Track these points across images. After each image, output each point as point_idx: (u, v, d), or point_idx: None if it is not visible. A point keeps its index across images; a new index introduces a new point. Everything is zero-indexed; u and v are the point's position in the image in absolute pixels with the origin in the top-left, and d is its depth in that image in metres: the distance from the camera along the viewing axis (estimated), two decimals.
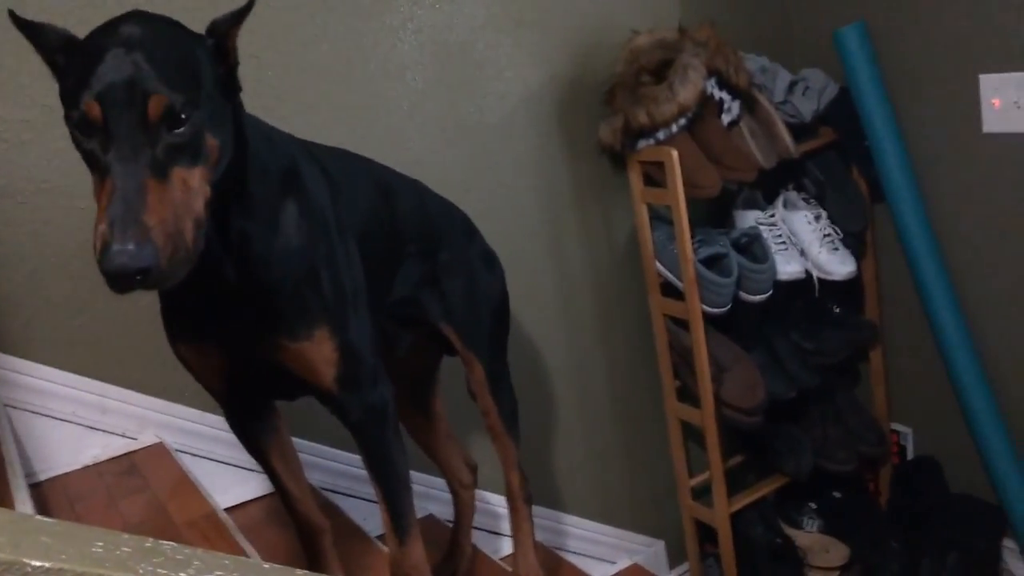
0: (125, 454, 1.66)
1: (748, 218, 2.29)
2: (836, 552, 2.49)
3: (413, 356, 1.56)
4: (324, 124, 1.80)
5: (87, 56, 0.84)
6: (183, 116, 0.84)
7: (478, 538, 2.01)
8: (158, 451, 1.69)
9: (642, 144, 2.07)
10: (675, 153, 2.00)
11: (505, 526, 2.03)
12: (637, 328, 2.32)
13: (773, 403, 2.25)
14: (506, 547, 2.13)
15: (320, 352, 1.06)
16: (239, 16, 0.92)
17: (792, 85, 2.25)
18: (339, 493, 1.94)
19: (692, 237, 2.12)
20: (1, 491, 1.15)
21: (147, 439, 1.71)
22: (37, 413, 1.62)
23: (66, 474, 1.61)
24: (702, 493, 2.38)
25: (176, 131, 0.84)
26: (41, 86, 1.50)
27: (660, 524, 2.48)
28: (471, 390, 1.54)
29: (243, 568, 0.75)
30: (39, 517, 0.82)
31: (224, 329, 1.05)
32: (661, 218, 2.21)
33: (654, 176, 2.12)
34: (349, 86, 1.83)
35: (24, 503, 1.12)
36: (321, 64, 1.79)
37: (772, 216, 2.27)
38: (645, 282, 2.25)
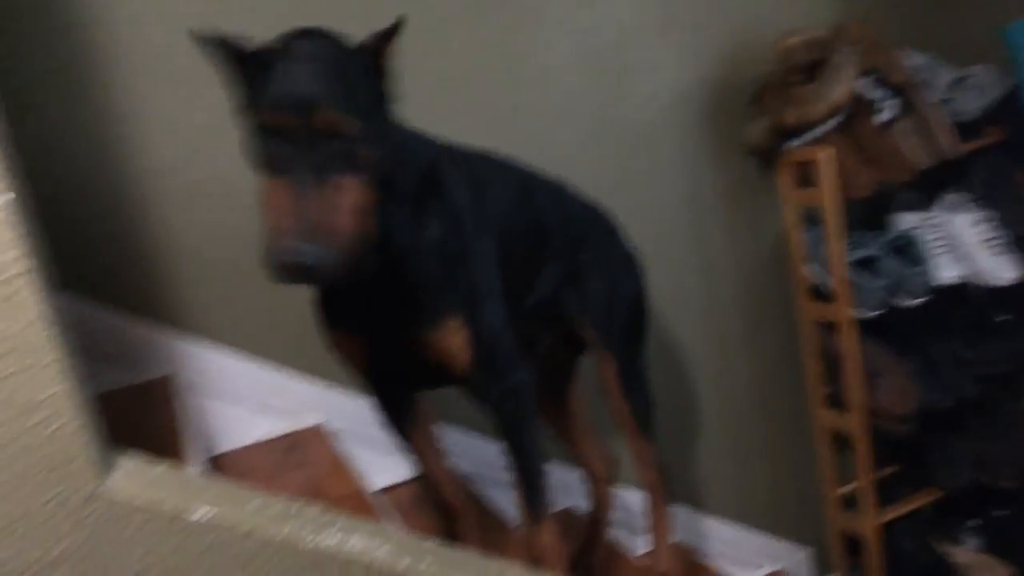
0: (287, 434, 1.80)
1: (906, 220, 2.22)
2: (998, 573, 2.38)
3: (553, 352, 1.61)
4: (477, 127, 1.88)
5: (265, 69, 0.92)
6: (348, 128, 0.91)
7: (616, 534, 2.04)
8: (317, 432, 1.81)
9: (792, 144, 2.05)
10: (828, 153, 1.97)
11: (643, 524, 2.05)
12: (784, 332, 2.29)
13: (929, 413, 2.17)
14: (643, 545, 2.15)
15: (454, 340, 1.13)
16: (388, 36, 0.99)
17: (956, 83, 2.17)
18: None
19: (845, 239, 2.08)
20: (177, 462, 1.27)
21: (308, 420, 1.83)
22: (210, 394, 1.77)
23: (233, 451, 1.76)
24: (851, 503, 2.32)
25: (341, 141, 0.91)
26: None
27: (806, 532, 2.43)
28: (604, 388, 1.57)
29: (380, 533, 0.83)
30: (204, 478, 0.92)
31: (367, 318, 1.14)
32: (811, 220, 2.17)
33: (804, 177, 2.09)
34: (502, 90, 1.91)
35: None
36: (476, 70, 1.87)
37: (932, 218, 2.19)
38: (793, 285, 2.22)
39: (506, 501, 1.97)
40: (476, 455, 2.02)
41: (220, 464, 1.73)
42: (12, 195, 0.63)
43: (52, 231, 1.39)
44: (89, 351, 1.69)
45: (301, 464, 1.67)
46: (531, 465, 1.21)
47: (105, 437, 0.72)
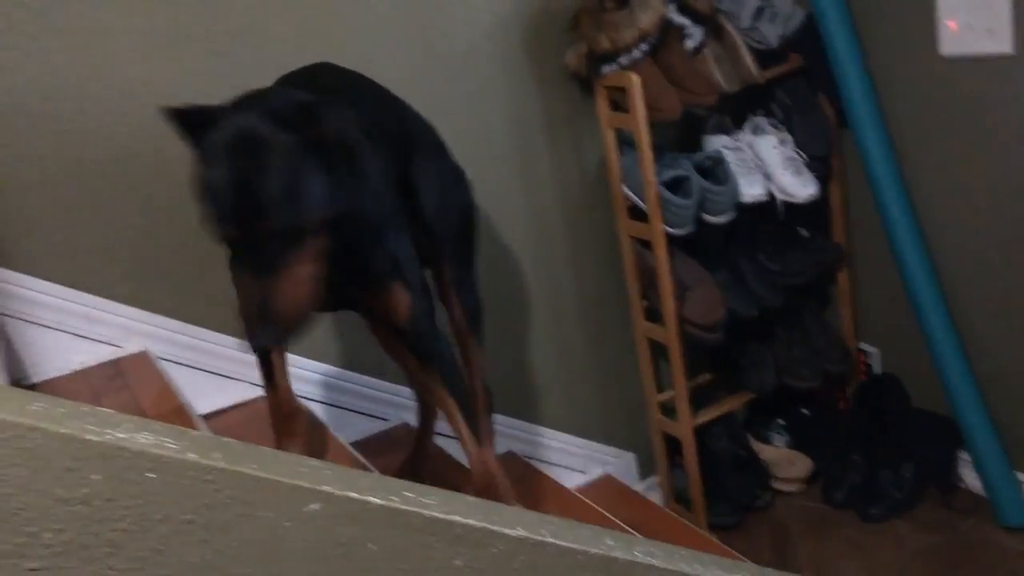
0: (111, 361, 1.79)
1: (716, 143, 2.35)
2: (800, 465, 2.61)
3: None
4: (293, 52, 1.87)
5: (209, 169, 1.03)
6: (287, 226, 1.02)
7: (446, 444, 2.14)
8: (142, 358, 1.81)
9: (606, 70, 2.14)
10: (636, 78, 2.07)
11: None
12: (606, 250, 2.41)
13: (738, 322, 2.35)
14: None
15: (400, 298, 1.31)
16: (309, 119, 1.06)
17: (759, 12, 2.30)
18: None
19: (657, 161, 2.20)
20: None
21: (132, 348, 1.83)
22: (29, 321, 1.74)
23: (56, 378, 1.74)
24: (671, 408, 2.49)
25: (283, 238, 1.02)
26: None
27: (631, 437, 2.60)
28: (439, 294, 1.63)
29: (172, 433, 0.87)
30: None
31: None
32: (629, 143, 2.28)
33: (620, 101, 2.19)
34: (316, 14, 1.91)
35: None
36: None
37: (739, 140, 2.34)
38: (614, 205, 2.34)
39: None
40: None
41: (40, 390, 1.72)
42: None
43: None
44: None
45: (124, 388, 1.67)
46: (459, 387, 1.44)
47: None
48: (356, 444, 2.03)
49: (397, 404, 2.16)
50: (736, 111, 2.40)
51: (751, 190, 2.26)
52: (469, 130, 2.14)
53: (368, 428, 2.13)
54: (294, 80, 1.39)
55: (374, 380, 2.13)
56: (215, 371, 1.94)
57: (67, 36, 1.68)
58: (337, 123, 1.07)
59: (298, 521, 0.87)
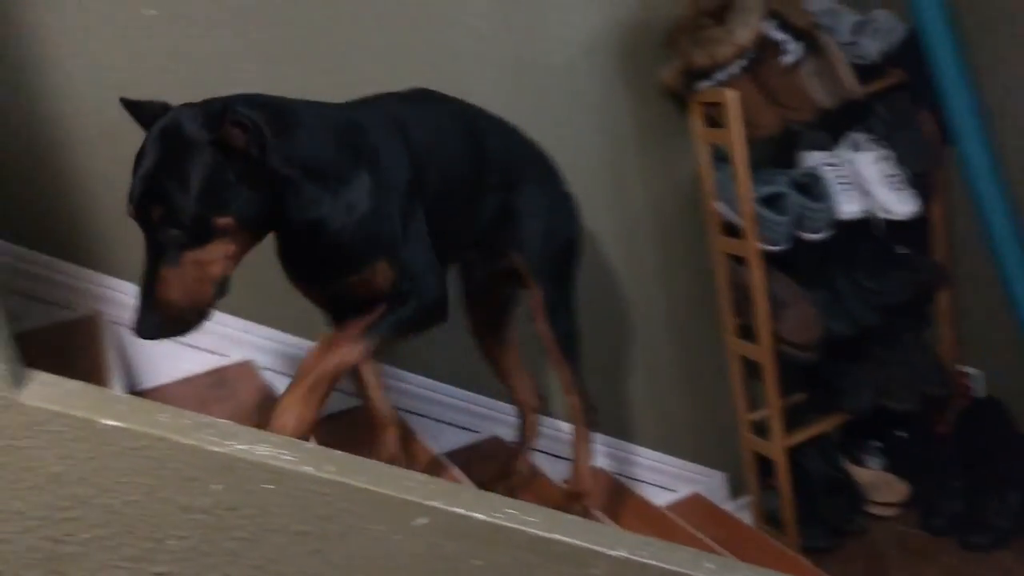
0: (216, 369, 1.85)
1: (813, 159, 2.32)
2: (897, 489, 2.54)
3: (490, 287, 1.71)
4: (390, 71, 1.92)
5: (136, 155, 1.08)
6: (181, 218, 1.03)
7: (544, 461, 2.15)
8: (246, 368, 1.87)
9: (702, 85, 2.13)
10: (733, 93, 2.05)
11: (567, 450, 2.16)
12: (698, 266, 2.39)
13: (833, 341, 2.30)
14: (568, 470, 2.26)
15: (382, 278, 1.26)
16: (219, 120, 1.04)
17: (859, 26, 2.26)
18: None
19: (752, 177, 2.18)
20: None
21: (236, 357, 1.89)
22: None
23: (164, 385, 1.81)
24: (763, 427, 2.45)
25: (176, 229, 1.04)
26: None
27: (722, 456, 2.56)
28: (533, 316, 1.64)
29: (289, 445, 0.90)
30: (117, 392, 0.98)
31: (312, 271, 1.30)
32: (723, 158, 2.26)
33: (715, 117, 2.18)
34: (413, 33, 1.95)
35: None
36: (385, 12, 1.91)
37: (836, 156, 2.30)
38: (706, 222, 2.32)
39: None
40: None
41: (149, 396, 1.78)
42: None
43: None
44: (17, 290, 1.73)
45: (228, 398, 1.73)
46: (390, 318, 1.28)
47: (18, 354, 0.78)
48: (446, 456, 2.06)
49: (488, 417, 2.18)
50: (834, 127, 2.36)
51: (849, 207, 2.22)
52: (561, 145, 2.13)
53: (458, 440, 2.16)
54: (384, 101, 1.41)
55: (467, 392, 2.16)
56: (438, 417, 2.02)
57: (187, 60, 1.75)
58: (245, 126, 1.05)
59: (406, 535, 0.89)
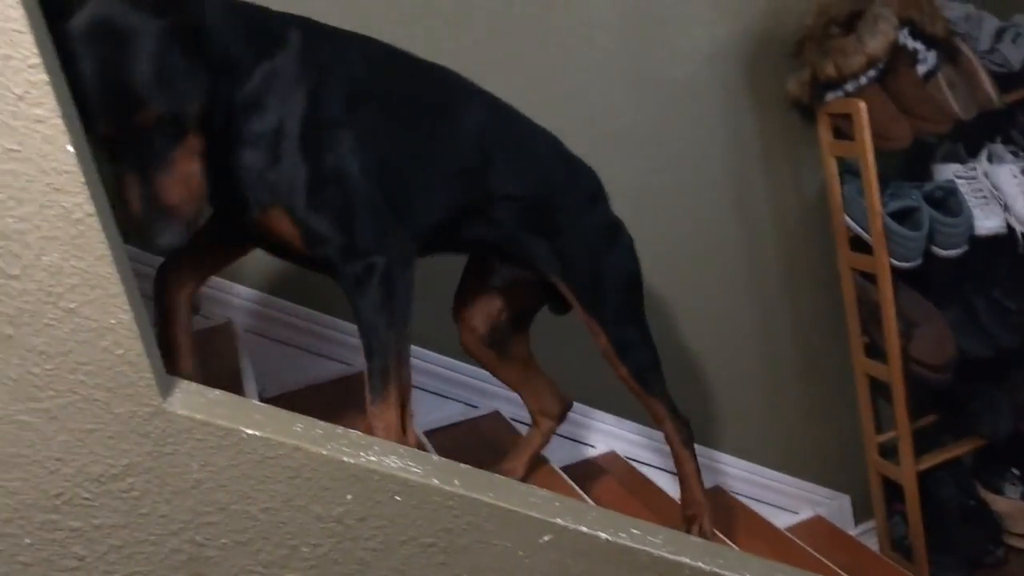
0: (340, 377, 1.90)
1: (947, 171, 2.22)
2: None
3: (515, 295, 1.60)
4: (513, 84, 1.93)
5: (75, 64, 0.90)
6: (163, 114, 0.93)
7: (663, 480, 2.12)
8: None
9: (830, 96, 2.07)
10: (863, 105, 1.99)
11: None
12: (825, 282, 2.32)
13: (969, 362, 2.20)
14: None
15: (281, 226, 1.12)
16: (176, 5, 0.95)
17: (1000, 33, 2.16)
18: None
19: (883, 190, 2.10)
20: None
21: (360, 366, 1.93)
22: (267, 337, 1.88)
23: (291, 392, 1.87)
24: (891, 450, 2.36)
25: (161, 129, 0.94)
26: None
27: (846, 479, 2.48)
28: (603, 356, 1.54)
29: (417, 457, 0.91)
30: (255, 401, 1.02)
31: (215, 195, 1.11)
32: (852, 171, 2.19)
33: (844, 129, 2.11)
34: (537, 47, 1.96)
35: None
36: (510, 26, 1.93)
37: (973, 169, 2.20)
38: (834, 236, 2.25)
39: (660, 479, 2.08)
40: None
41: (277, 402, 1.84)
42: (73, 150, 0.72)
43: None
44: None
45: (353, 406, 1.76)
46: (376, 346, 1.16)
47: (163, 363, 0.82)
48: (564, 470, 2.06)
49: (605, 432, 2.17)
50: (971, 138, 2.26)
51: (987, 222, 2.11)
52: (684, 157, 2.13)
53: (574, 454, 2.15)
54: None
55: (581, 406, 2.15)
56: (433, 390, 2.02)
57: None
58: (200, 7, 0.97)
59: (531, 551, 0.89)
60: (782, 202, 2.26)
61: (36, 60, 0.71)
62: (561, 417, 1.76)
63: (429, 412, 2.00)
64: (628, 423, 2.18)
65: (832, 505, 2.47)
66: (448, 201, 1.33)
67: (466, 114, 1.38)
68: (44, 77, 0.71)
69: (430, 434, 1.92)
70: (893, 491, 2.39)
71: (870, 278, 2.17)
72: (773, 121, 2.20)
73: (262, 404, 0.89)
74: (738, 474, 2.34)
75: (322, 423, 0.90)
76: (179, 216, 0.95)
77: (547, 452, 1.97)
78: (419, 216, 1.29)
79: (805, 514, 2.42)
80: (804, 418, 2.41)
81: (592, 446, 2.17)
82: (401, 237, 1.20)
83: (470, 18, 1.89)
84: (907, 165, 2.30)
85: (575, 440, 2.15)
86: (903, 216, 2.10)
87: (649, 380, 1.56)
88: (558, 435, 2.12)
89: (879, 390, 2.34)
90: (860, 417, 2.39)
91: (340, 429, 0.90)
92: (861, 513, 2.50)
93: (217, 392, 0.85)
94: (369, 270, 1.15)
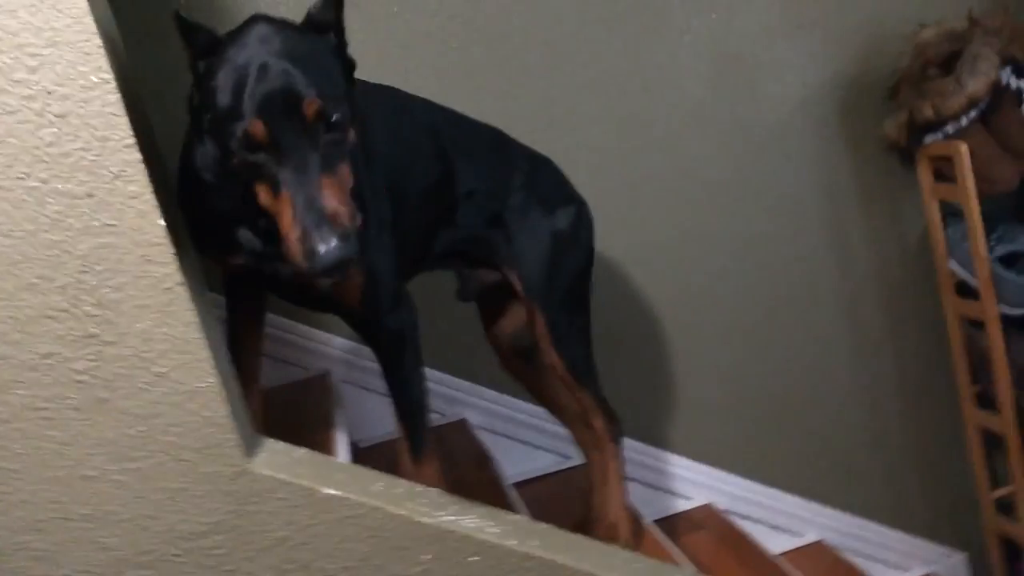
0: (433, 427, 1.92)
1: None
2: None
3: (501, 304, 1.54)
4: (606, 134, 1.95)
5: (235, 69, 0.88)
6: (333, 115, 0.89)
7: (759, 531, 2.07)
8: (461, 425, 1.93)
9: (929, 139, 2.01)
10: (964, 147, 1.93)
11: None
12: (930, 330, 2.24)
13: None
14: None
15: (353, 284, 1.09)
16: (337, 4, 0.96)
17: None
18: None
19: (990, 233, 2.03)
20: (327, 446, 1.41)
21: (453, 415, 1.96)
22: (356, 385, 1.92)
23: (381, 442, 1.90)
24: (1011, 506, 2.24)
25: (331, 131, 0.89)
26: None
27: (961, 535, 2.36)
28: (535, 342, 1.45)
29: (492, 516, 0.92)
30: (342, 456, 1.04)
31: (255, 247, 1.06)
32: (956, 213, 2.12)
33: (945, 171, 2.05)
34: (629, 97, 1.97)
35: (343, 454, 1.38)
36: (603, 78, 1.94)
37: None
38: (938, 282, 2.17)
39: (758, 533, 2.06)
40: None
41: (367, 453, 1.87)
42: (163, 223, 0.76)
43: None
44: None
45: (443, 454, 1.78)
46: (410, 406, 1.16)
47: (250, 423, 0.85)
48: (658, 523, 2.02)
49: (700, 484, 2.12)
50: None
51: None
52: (778, 204, 2.10)
53: (667, 506, 2.11)
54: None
55: (675, 456, 2.12)
56: (523, 440, 2.02)
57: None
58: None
59: None
60: (883, 248, 2.19)
61: (131, 140, 0.75)
62: (613, 434, 1.53)
63: (519, 463, 2.00)
64: (725, 474, 2.14)
65: (947, 563, 2.35)
66: (429, 222, 1.31)
67: (424, 122, 1.33)
68: (138, 156, 0.76)
69: (520, 486, 1.92)
70: (1015, 550, 2.26)
71: (978, 325, 2.08)
72: (871, 165, 2.15)
73: (344, 463, 0.91)
74: (844, 528, 2.25)
75: (403, 481, 0.91)
76: (341, 225, 0.86)
77: (640, 505, 1.95)
78: (411, 251, 1.26)
79: (916, 572, 2.31)
80: (913, 471, 2.31)
81: (688, 498, 2.13)
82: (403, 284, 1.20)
83: (560, 71, 1.92)
84: (1019, 206, 2.21)
85: (669, 492, 2.11)
86: (1012, 260, 2.01)
87: (582, 372, 1.46)
88: (651, 487, 2.09)
89: (995, 442, 2.23)
90: (974, 470, 2.28)
91: (419, 487, 0.91)
92: (979, 572, 2.37)
93: (302, 451, 0.88)
94: (405, 324, 1.15)
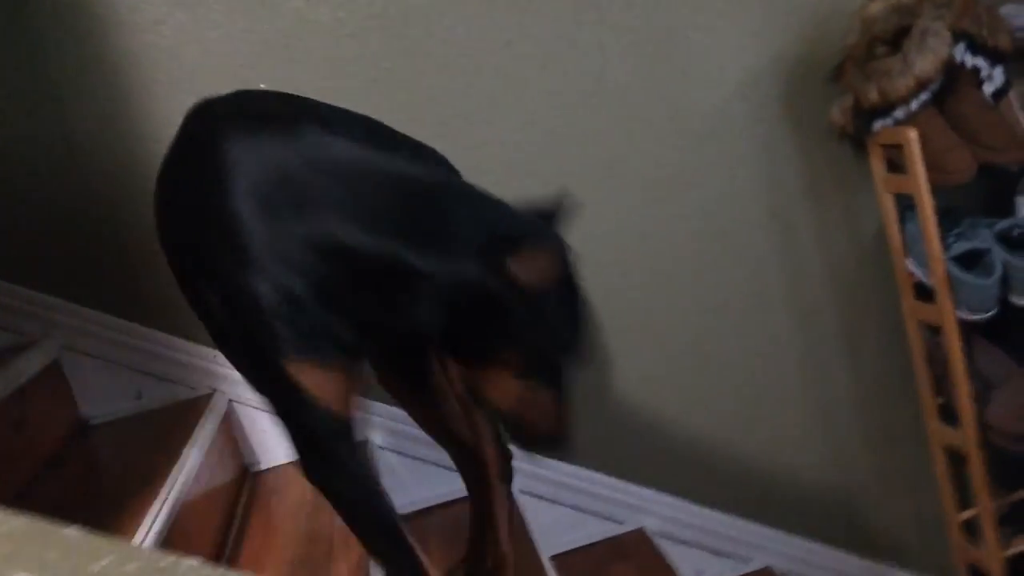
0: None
1: None
2: None
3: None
4: (521, 127, 1.77)
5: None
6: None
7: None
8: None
9: (879, 125, 1.81)
10: (913, 134, 1.72)
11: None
12: (891, 336, 2.03)
13: None
14: None
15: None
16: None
17: None
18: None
19: (950, 230, 1.83)
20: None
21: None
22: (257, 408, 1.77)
23: (282, 464, 1.75)
24: (977, 529, 2.03)
25: None
26: None
27: (927, 560, 2.15)
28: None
29: None
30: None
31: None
32: (915, 207, 1.91)
33: (898, 161, 1.84)
34: (545, 86, 1.78)
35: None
36: (516, 65, 1.76)
37: None
38: (898, 283, 1.97)
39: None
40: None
41: (267, 475, 1.75)
42: None
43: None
44: (141, 370, 1.73)
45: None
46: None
47: None
48: (583, 550, 1.86)
49: (632, 506, 1.94)
50: None
51: None
52: (718, 200, 1.91)
53: (596, 532, 1.94)
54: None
55: (605, 477, 1.94)
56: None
57: None
58: None
59: None
60: (836, 245, 1.99)
61: None
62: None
63: (565, 532, 1.90)
64: (660, 495, 1.96)
65: None
66: None
67: None
68: None
69: (562, 557, 1.81)
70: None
71: (936, 331, 1.88)
72: (820, 155, 1.95)
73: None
74: (796, 554, 2.06)
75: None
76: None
77: (565, 531, 1.79)
78: None
79: None
80: (873, 491, 2.11)
81: (619, 522, 1.95)
82: None
83: (467, 58, 1.74)
84: (987, 197, 2.00)
85: (598, 515, 1.93)
86: (974, 259, 1.80)
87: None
88: (578, 510, 1.92)
89: (961, 459, 2.02)
90: (940, 490, 2.07)
91: None
92: None
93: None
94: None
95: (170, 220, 1.04)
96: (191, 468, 1.38)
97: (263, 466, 1.80)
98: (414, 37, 1.70)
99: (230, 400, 1.77)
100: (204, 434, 1.54)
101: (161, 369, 1.73)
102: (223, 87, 1.02)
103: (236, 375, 1.71)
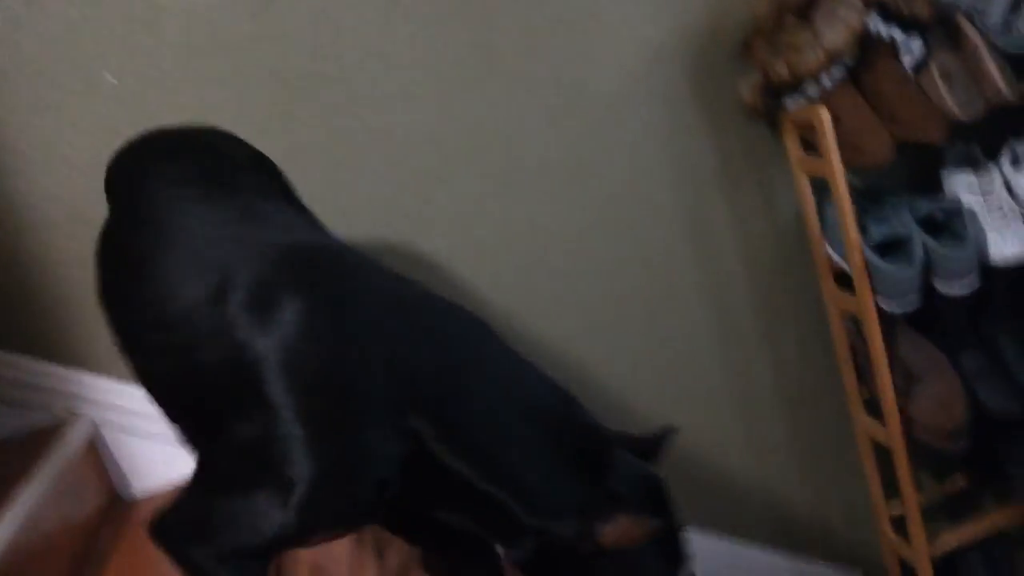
0: None
1: (961, 181, 1.79)
2: None
3: None
4: (402, 111, 1.62)
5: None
6: None
7: None
8: None
9: (791, 103, 1.68)
10: (824, 113, 1.59)
11: None
12: (814, 325, 1.92)
13: (996, 420, 1.76)
14: None
15: None
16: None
17: (1017, 6, 1.71)
18: None
19: (869, 213, 1.71)
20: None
21: None
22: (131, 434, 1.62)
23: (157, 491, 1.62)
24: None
25: None
26: None
27: (857, 552, 2.07)
28: None
29: None
30: None
31: None
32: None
33: (813, 141, 1.71)
34: (426, 71, 1.62)
35: None
36: (394, 48, 1.60)
37: (990, 178, 1.76)
38: (819, 271, 1.84)
39: None
40: None
41: (144, 505, 1.59)
42: None
43: None
44: None
45: None
46: None
47: None
48: None
49: None
50: (992, 137, 1.82)
51: (1004, 248, 1.68)
52: (622, 188, 1.77)
53: None
54: None
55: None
56: None
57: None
58: None
59: None
60: (751, 232, 1.86)
61: None
62: None
63: None
64: None
65: None
66: None
67: None
68: None
69: None
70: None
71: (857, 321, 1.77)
72: (731, 135, 1.81)
73: None
74: (718, 556, 1.95)
75: None
76: None
77: None
78: None
79: None
80: (799, 484, 2.01)
81: None
82: None
83: (372, 58, 1.58)
84: (912, 174, 1.87)
85: None
86: (895, 245, 1.69)
87: None
88: None
89: (882, 452, 1.93)
90: (866, 483, 1.97)
91: None
92: None
93: None
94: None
95: None
96: (29, 506, 1.25)
97: (136, 494, 1.66)
98: (273, 18, 1.53)
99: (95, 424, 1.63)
100: (51, 465, 1.40)
101: (8, 394, 1.58)
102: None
103: (102, 396, 1.61)
